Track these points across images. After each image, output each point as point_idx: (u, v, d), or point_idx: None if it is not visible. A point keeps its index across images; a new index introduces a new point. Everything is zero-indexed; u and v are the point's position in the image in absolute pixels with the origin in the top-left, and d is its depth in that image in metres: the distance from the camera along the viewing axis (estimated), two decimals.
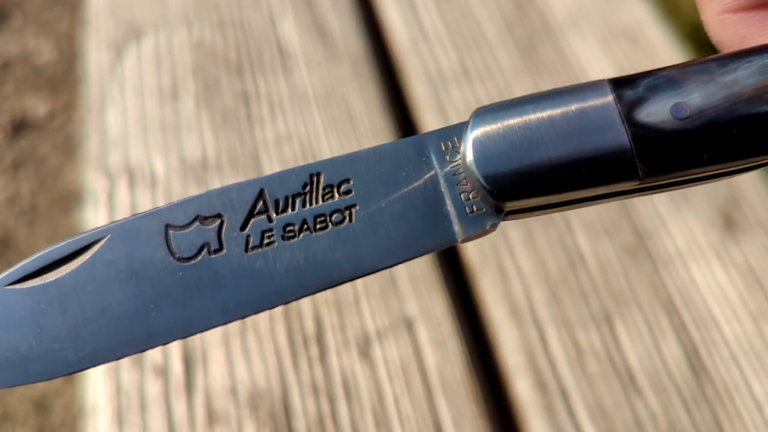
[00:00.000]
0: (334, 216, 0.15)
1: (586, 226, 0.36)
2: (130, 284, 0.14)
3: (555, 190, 0.15)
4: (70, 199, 1.38)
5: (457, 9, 0.48)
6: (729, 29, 0.18)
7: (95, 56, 0.47)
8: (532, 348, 0.32)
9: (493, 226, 0.15)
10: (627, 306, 0.34)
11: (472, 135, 0.15)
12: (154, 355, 0.33)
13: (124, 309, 0.14)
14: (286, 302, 0.15)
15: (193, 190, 0.39)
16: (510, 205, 0.15)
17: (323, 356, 0.32)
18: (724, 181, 0.35)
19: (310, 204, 0.15)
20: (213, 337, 0.33)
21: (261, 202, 0.15)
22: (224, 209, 0.15)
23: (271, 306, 0.15)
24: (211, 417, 0.31)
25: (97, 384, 0.32)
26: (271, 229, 0.15)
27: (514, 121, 0.15)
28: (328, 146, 0.41)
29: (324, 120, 0.42)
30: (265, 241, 0.15)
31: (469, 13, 0.47)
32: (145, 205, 0.39)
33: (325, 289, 0.15)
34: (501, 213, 0.15)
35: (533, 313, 0.33)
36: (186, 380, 0.32)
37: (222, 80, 0.44)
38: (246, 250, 0.14)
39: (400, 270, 0.35)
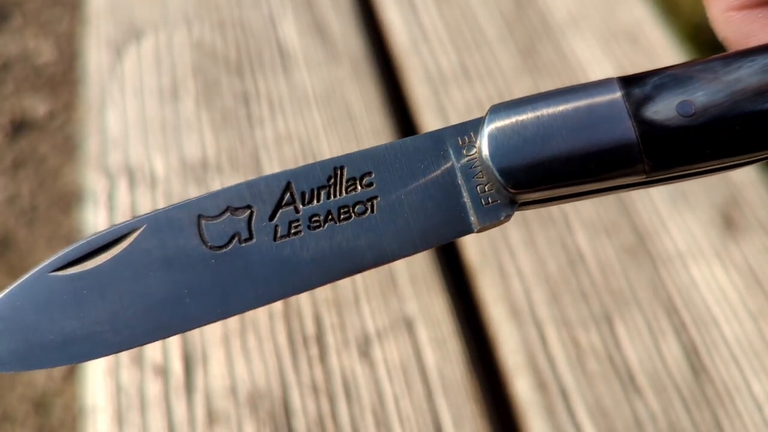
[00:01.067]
0: (356, 207, 0.15)
1: (586, 226, 0.36)
2: (165, 271, 0.15)
3: (566, 183, 0.15)
4: (70, 199, 1.38)
5: (457, 9, 0.48)
6: (734, 26, 0.18)
7: (95, 56, 0.47)
8: (532, 348, 0.32)
9: (507, 217, 0.16)
10: (627, 306, 0.34)
11: (488, 130, 0.15)
12: (154, 354, 0.33)
13: (159, 294, 0.15)
14: (311, 288, 0.16)
15: (193, 190, 0.39)
16: (523, 197, 0.16)
17: (323, 356, 0.32)
18: (724, 181, 0.35)
19: (334, 196, 0.15)
20: (213, 336, 0.33)
21: (288, 194, 0.15)
22: (254, 201, 0.15)
23: (298, 291, 0.16)
24: (211, 417, 0.31)
25: (97, 384, 0.32)
26: (297, 220, 0.15)
27: (527, 117, 0.15)
28: (328, 146, 0.41)
29: (324, 120, 0.42)
30: (293, 231, 0.15)
31: (469, 14, 0.47)
32: (145, 204, 0.39)
33: (348, 275, 0.16)
34: (515, 204, 0.16)
35: (533, 312, 0.33)
36: (186, 380, 0.32)
37: (222, 80, 0.44)
38: (274, 239, 0.15)
39: (400, 270, 0.35)
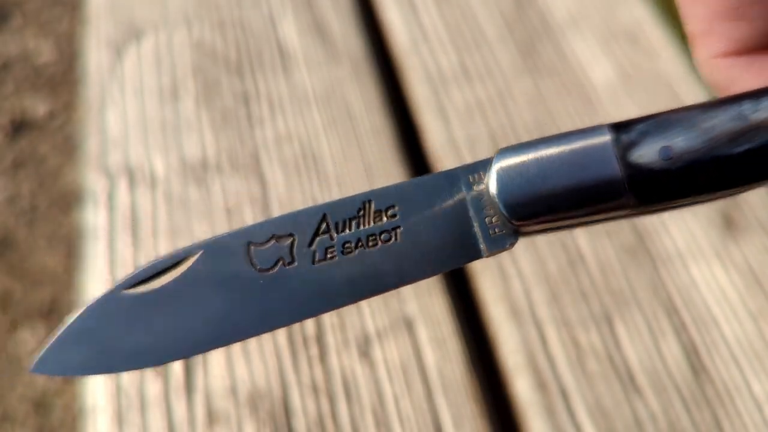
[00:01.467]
0: (383, 235, 0.18)
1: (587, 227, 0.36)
2: (219, 290, 0.18)
3: (562, 217, 0.18)
4: (70, 199, 1.37)
5: (457, 9, 0.48)
6: (719, 73, 0.20)
7: (95, 56, 0.47)
8: (532, 348, 0.32)
9: (512, 245, 0.18)
10: (627, 306, 0.34)
11: (495, 169, 0.18)
12: None
13: (214, 310, 0.18)
14: (341, 306, 0.18)
15: (193, 190, 0.39)
16: (525, 228, 0.18)
17: (323, 356, 0.32)
18: None
19: (364, 225, 0.18)
20: None
21: (324, 224, 0.18)
22: (295, 230, 0.19)
23: (331, 309, 0.18)
24: (211, 417, 0.31)
25: (96, 384, 0.32)
26: (332, 246, 0.18)
27: (529, 158, 0.18)
28: (328, 146, 0.41)
29: (324, 120, 0.42)
30: (328, 256, 0.18)
31: (469, 13, 0.47)
32: (145, 205, 0.39)
33: (372, 296, 0.18)
34: (518, 234, 0.18)
35: (533, 312, 0.33)
36: (186, 380, 0.32)
37: (222, 80, 0.44)
38: (312, 263, 0.18)
39: None
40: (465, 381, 0.32)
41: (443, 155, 0.40)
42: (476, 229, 0.18)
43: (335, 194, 0.38)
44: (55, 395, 1.15)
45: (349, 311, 0.33)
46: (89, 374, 0.19)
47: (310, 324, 0.33)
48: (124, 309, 0.18)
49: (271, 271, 0.18)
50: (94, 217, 0.39)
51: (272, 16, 0.48)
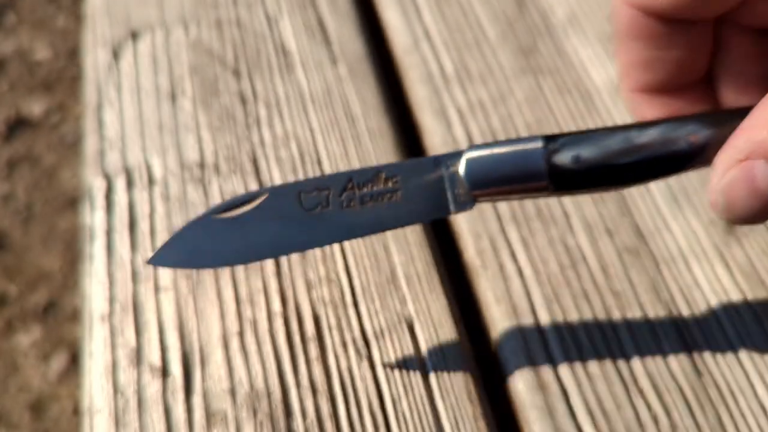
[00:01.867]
0: (387, 194, 0.27)
1: (588, 226, 0.36)
2: (278, 221, 0.27)
3: (505, 192, 0.27)
4: (65, 199, 1.37)
5: (458, 8, 0.47)
6: (631, 103, 0.28)
7: (92, 56, 0.47)
8: (532, 348, 0.32)
9: (471, 207, 0.27)
10: (629, 306, 0.34)
11: (464, 158, 0.27)
12: (152, 355, 0.33)
13: (273, 233, 0.27)
14: (358, 237, 0.28)
15: (191, 191, 0.39)
16: (481, 198, 0.27)
17: (322, 357, 0.32)
18: None
19: (376, 187, 0.27)
20: (211, 337, 0.33)
21: (350, 183, 0.27)
22: (331, 185, 0.27)
23: (351, 238, 0.28)
24: (210, 418, 0.31)
25: (94, 385, 0.32)
26: (354, 198, 0.27)
27: (488, 152, 0.27)
28: (326, 147, 0.41)
29: (323, 121, 0.42)
30: (352, 204, 0.27)
31: (469, 13, 0.47)
32: (143, 205, 0.39)
33: (377, 232, 0.28)
34: (475, 200, 0.27)
35: (533, 313, 0.33)
36: (184, 381, 0.32)
37: (219, 80, 0.44)
38: (341, 208, 0.27)
39: (400, 270, 0.35)
40: (465, 381, 0.32)
41: None
42: (449, 195, 0.27)
43: None
44: (51, 397, 1.15)
45: (348, 311, 0.33)
46: (185, 267, 0.32)
47: (309, 325, 0.33)
48: (212, 227, 0.28)
49: (314, 211, 0.27)
50: (91, 218, 0.39)
51: (270, 16, 0.48)
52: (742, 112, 0.24)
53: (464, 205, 0.27)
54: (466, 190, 0.27)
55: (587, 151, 0.25)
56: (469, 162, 0.26)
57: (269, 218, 0.27)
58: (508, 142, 0.26)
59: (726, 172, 0.23)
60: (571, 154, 0.26)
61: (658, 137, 0.25)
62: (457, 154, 0.27)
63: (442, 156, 0.27)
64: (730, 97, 0.27)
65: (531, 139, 0.26)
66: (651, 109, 0.27)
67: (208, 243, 0.28)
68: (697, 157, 0.25)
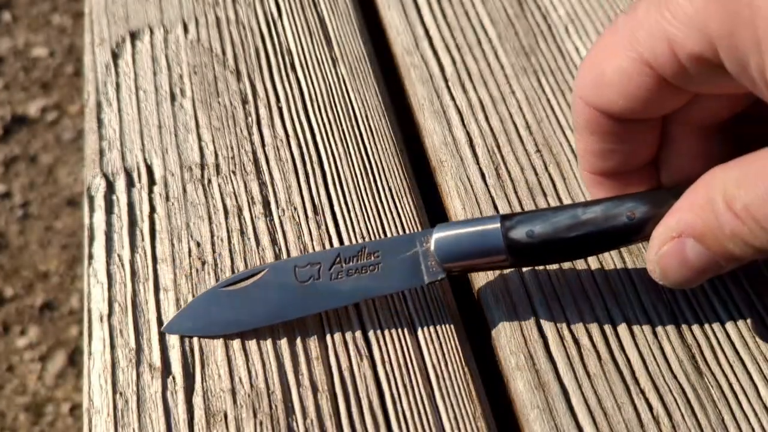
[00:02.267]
0: (371, 267, 0.32)
1: None
2: (276, 292, 0.32)
3: (471, 265, 0.31)
4: (63, 198, 1.37)
5: (458, 8, 0.48)
6: (585, 181, 0.32)
7: (91, 55, 0.47)
8: (532, 348, 0.32)
9: (442, 279, 0.31)
10: (629, 306, 0.34)
11: (434, 237, 0.31)
12: (151, 355, 0.33)
13: (273, 302, 0.32)
14: (345, 305, 0.32)
15: (191, 191, 0.39)
16: (451, 269, 0.31)
17: (323, 356, 0.32)
18: None
19: (360, 261, 0.32)
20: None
21: (338, 258, 0.32)
22: (321, 261, 0.32)
23: (339, 306, 0.32)
24: (210, 418, 0.31)
25: (93, 385, 0.32)
26: (342, 271, 0.32)
27: (453, 231, 0.31)
28: (327, 147, 0.41)
29: (323, 120, 0.42)
30: (340, 277, 0.32)
31: (470, 12, 0.47)
32: (142, 205, 0.39)
33: (361, 300, 0.33)
34: (446, 271, 0.31)
35: (534, 313, 0.33)
36: (184, 381, 0.32)
37: (219, 80, 0.44)
38: (330, 280, 0.32)
39: None
40: (465, 381, 0.32)
41: (444, 155, 0.40)
42: (422, 267, 0.31)
43: (334, 196, 0.38)
44: (47, 399, 1.15)
45: (348, 311, 0.33)
46: (196, 335, 0.33)
47: (309, 324, 0.33)
48: (220, 299, 0.32)
49: (306, 283, 0.32)
50: (91, 218, 0.39)
51: (270, 15, 0.48)
52: (676, 192, 0.27)
53: (436, 275, 0.31)
54: (437, 263, 0.31)
55: (539, 227, 0.29)
56: (438, 241, 0.31)
57: (269, 289, 0.32)
58: (471, 221, 0.31)
59: (661, 246, 0.27)
60: (525, 230, 0.29)
61: (600, 214, 0.29)
62: (428, 232, 0.31)
63: (417, 234, 0.32)
64: (672, 179, 0.30)
65: (491, 218, 0.30)
66: (603, 187, 0.31)
67: (216, 312, 0.32)
68: (636, 231, 0.29)
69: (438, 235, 0.31)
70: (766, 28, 0.21)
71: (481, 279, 0.35)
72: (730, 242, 0.25)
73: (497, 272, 0.34)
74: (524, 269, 0.34)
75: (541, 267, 0.34)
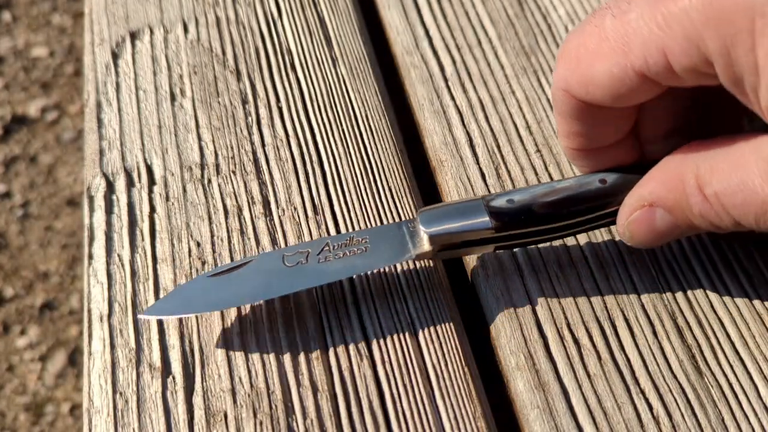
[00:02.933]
0: (358, 249, 0.33)
1: None
2: (265, 276, 0.32)
3: (456, 239, 0.32)
4: (63, 198, 1.37)
5: (458, 8, 0.48)
6: (569, 156, 0.33)
7: (91, 55, 0.47)
8: (532, 348, 0.32)
9: (429, 249, 0.32)
10: (630, 306, 0.34)
11: (420, 212, 0.32)
12: (151, 355, 0.33)
13: (261, 283, 0.32)
14: (332, 281, 0.33)
15: (191, 191, 0.39)
16: (436, 241, 0.32)
17: (323, 356, 0.32)
18: None
19: (349, 245, 0.33)
20: (211, 337, 0.33)
21: (326, 245, 0.33)
22: (310, 248, 0.33)
23: (325, 283, 0.32)
24: (210, 418, 0.31)
25: (93, 385, 0.32)
26: (330, 254, 0.33)
27: (437, 210, 0.32)
28: (327, 147, 0.41)
29: (323, 120, 0.42)
30: (327, 259, 0.33)
31: (470, 13, 0.47)
32: (142, 205, 0.39)
33: (349, 276, 0.33)
34: (432, 244, 0.32)
35: (534, 312, 0.33)
36: (184, 381, 0.32)
37: (219, 80, 0.44)
38: (318, 263, 0.32)
39: (400, 270, 0.35)
40: (465, 381, 0.32)
41: (444, 155, 0.40)
42: (409, 244, 0.32)
43: (334, 196, 0.38)
44: (47, 399, 1.15)
45: (349, 311, 0.33)
46: (178, 314, 0.33)
47: (309, 324, 0.33)
48: (205, 285, 0.33)
49: (293, 267, 0.32)
50: (91, 218, 0.39)
51: (271, 15, 0.48)
52: (646, 166, 0.30)
53: (422, 247, 0.32)
54: (423, 236, 0.32)
55: (518, 196, 0.32)
56: (423, 213, 0.32)
57: (256, 274, 0.32)
58: (452, 203, 0.33)
59: (632, 212, 0.30)
60: (505, 199, 0.32)
61: (574, 183, 0.32)
62: (414, 220, 0.33)
63: (404, 221, 0.33)
64: (651, 148, 0.32)
65: (476, 198, 0.32)
66: (585, 161, 0.33)
67: (201, 295, 0.32)
68: (609, 194, 0.31)
69: (423, 209, 0.33)
70: (765, 57, 0.23)
71: (481, 279, 0.35)
72: (697, 219, 0.28)
73: (497, 272, 0.34)
74: (525, 272, 0.34)
75: (542, 268, 0.34)
